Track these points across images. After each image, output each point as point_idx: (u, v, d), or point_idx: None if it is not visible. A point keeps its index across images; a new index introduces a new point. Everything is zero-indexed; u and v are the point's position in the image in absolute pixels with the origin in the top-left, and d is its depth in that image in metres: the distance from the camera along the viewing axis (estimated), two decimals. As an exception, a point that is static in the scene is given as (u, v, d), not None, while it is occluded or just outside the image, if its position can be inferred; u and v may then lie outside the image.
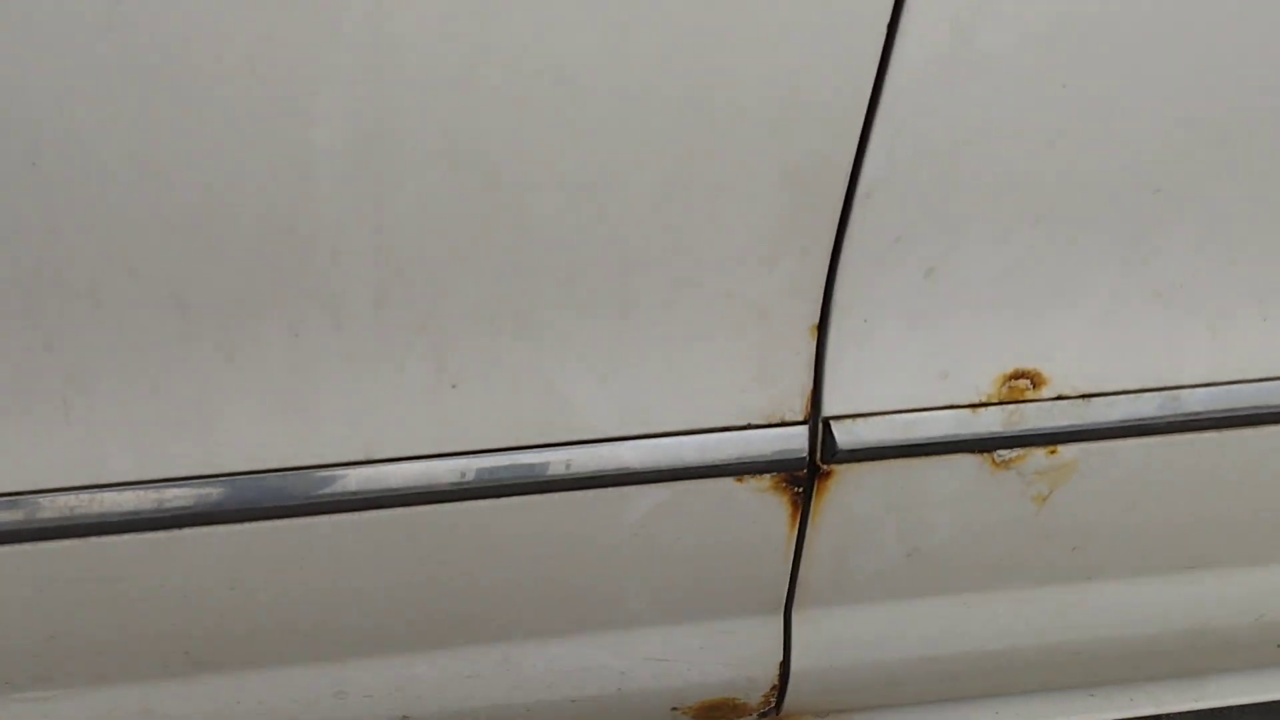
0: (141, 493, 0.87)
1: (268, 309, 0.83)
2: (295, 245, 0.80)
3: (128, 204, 0.77)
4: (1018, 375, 0.97)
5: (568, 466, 0.92)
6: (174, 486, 0.87)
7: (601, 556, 1.00)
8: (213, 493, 0.88)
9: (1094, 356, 0.97)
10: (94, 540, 0.88)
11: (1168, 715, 1.51)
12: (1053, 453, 1.00)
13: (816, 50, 0.78)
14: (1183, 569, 1.14)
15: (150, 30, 0.71)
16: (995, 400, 0.97)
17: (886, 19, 0.78)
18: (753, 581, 1.06)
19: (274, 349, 0.85)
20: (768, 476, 0.97)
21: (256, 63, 0.73)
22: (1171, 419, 0.99)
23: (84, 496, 0.86)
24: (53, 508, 0.86)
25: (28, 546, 0.88)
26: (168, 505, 0.87)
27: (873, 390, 0.96)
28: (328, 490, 0.90)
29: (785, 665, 1.14)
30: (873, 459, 0.98)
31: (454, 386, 0.89)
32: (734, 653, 1.12)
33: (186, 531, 0.89)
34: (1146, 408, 0.99)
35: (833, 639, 1.13)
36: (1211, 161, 0.89)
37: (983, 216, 0.88)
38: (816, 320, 0.92)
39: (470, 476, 0.91)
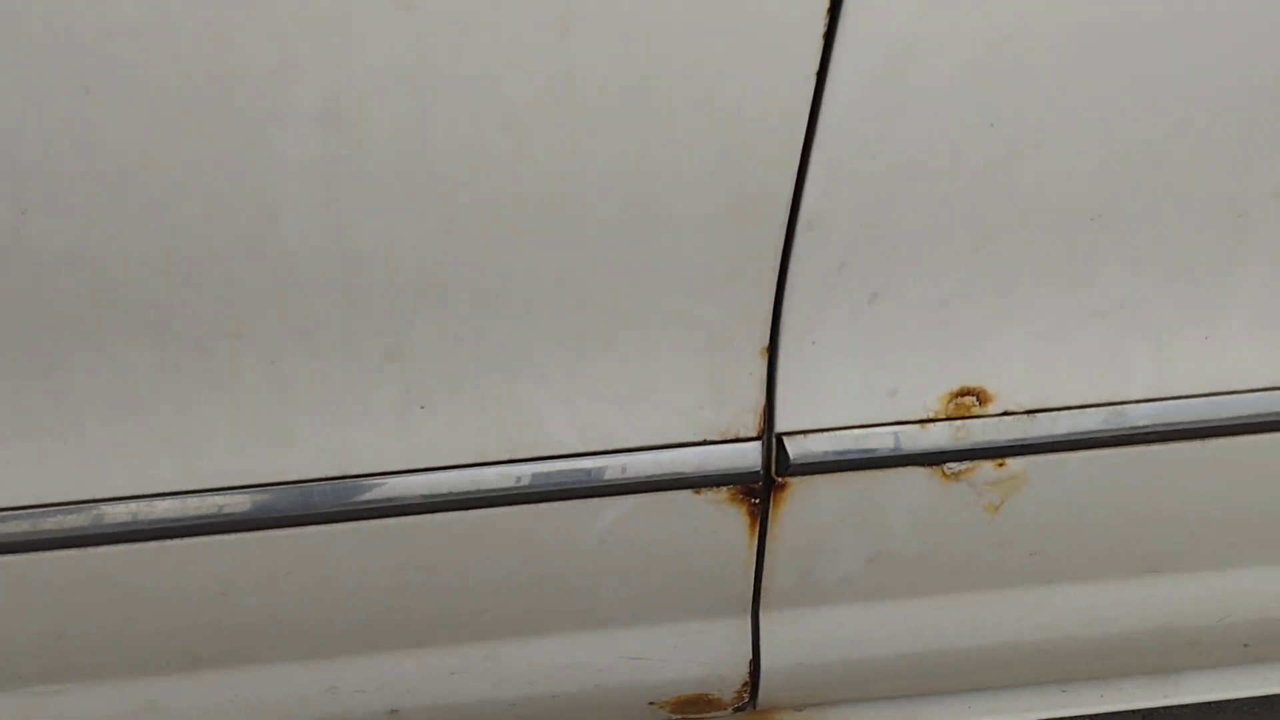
0: (133, 506, 0.94)
1: (244, 339, 0.89)
2: (267, 280, 0.86)
3: (112, 246, 0.84)
4: (964, 392, 1.01)
5: (533, 481, 0.98)
6: (162, 500, 0.94)
7: (573, 563, 1.06)
8: (198, 506, 0.94)
9: (1039, 374, 1.01)
10: (91, 550, 0.95)
11: (1138, 711, 1.54)
12: (1001, 465, 1.04)
13: (751, 89, 0.83)
14: (1142, 573, 1.18)
15: (124, 81, 0.77)
16: (943, 416, 1.01)
17: (817, 63, 0.82)
18: (719, 585, 1.11)
19: (252, 375, 0.91)
20: (725, 489, 1.02)
21: (223, 112, 0.79)
22: (1117, 433, 1.03)
23: (80, 510, 0.93)
24: (52, 520, 0.93)
25: (32, 555, 0.95)
26: (157, 518, 0.94)
27: (823, 407, 1.00)
28: (306, 504, 0.96)
29: (756, 663, 1.20)
30: (825, 472, 1.02)
31: (422, 407, 0.95)
32: (706, 651, 1.18)
33: (176, 542, 0.96)
34: (1091, 422, 1.02)
35: (801, 639, 1.19)
36: (1147, 189, 0.92)
37: (922, 245, 0.93)
38: (767, 343, 0.97)
39: (440, 490, 0.97)
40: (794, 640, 1.19)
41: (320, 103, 0.79)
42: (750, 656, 1.19)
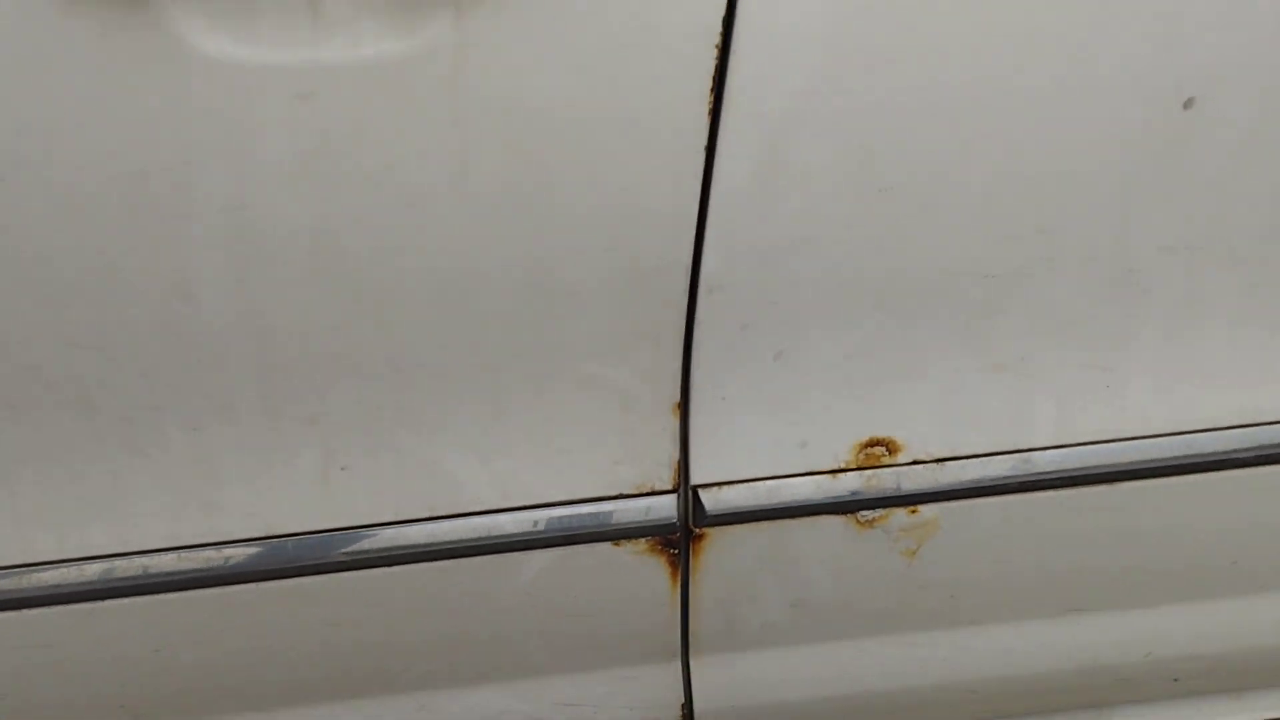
0: (64, 570, 0.97)
1: (167, 410, 0.93)
2: (186, 356, 0.90)
3: (35, 325, 0.87)
4: (873, 443, 1.04)
5: (454, 537, 1.01)
6: (93, 563, 0.97)
7: (500, 614, 1.09)
8: (128, 568, 0.98)
9: (945, 424, 1.04)
10: (24, 612, 0.98)
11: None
12: (913, 512, 1.07)
13: (642, 166, 0.87)
14: (1065, 613, 1.21)
15: (38, 172, 0.81)
16: (853, 466, 1.05)
17: (705, 139, 0.86)
18: (646, 633, 1.14)
19: (176, 443, 0.94)
20: (643, 540, 1.05)
21: (136, 197, 0.83)
22: (1024, 479, 1.06)
23: (12, 574, 0.97)
24: (-13, 585, 0.97)
25: (-33, 619, 0.99)
26: (88, 580, 0.97)
27: (737, 460, 1.04)
28: (233, 564, 0.99)
29: (688, 707, 1.22)
30: (742, 522, 1.06)
31: (343, 469, 0.98)
32: (638, 697, 1.21)
33: (108, 603, 0.99)
34: (999, 470, 1.06)
35: (732, 683, 1.21)
36: (1036, 249, 0.96)
37: (822, 305, 0.96)
38: (678, 400, 1.00)
39: (364, 548, 1.00)
40: (725, 684, 1.21)
41: (227, 188, 0.83)
42: (683, 700, 1.22)
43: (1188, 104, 0.89)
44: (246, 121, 0.80)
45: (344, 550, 1.01)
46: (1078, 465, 1.06)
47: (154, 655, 1.05)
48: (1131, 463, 1.07)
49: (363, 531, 1.01)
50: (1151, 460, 1.07)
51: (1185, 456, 1.07)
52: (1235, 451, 1.07)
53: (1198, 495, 1.10)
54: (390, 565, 1.02)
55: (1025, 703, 1.32)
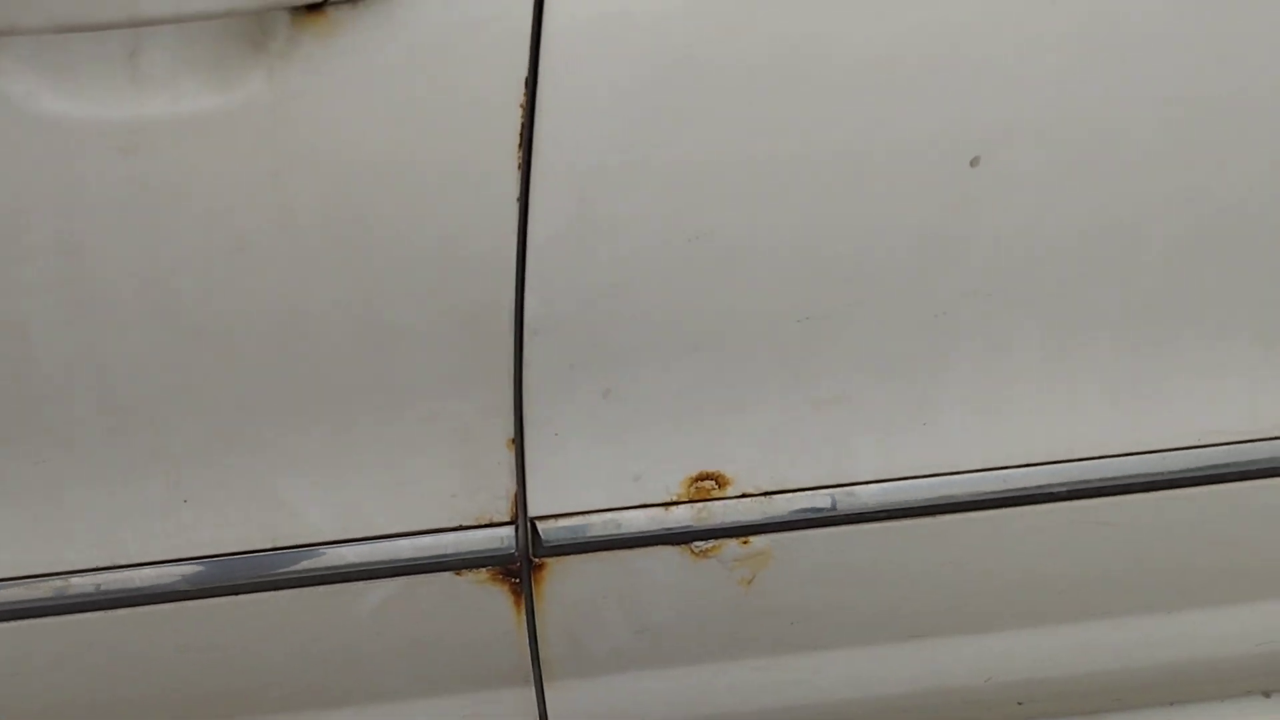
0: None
1: (11, 443, 0.97)
2: (25, 391, 0.94)
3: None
4: (703, 477, 1.09)
5: (297, 567, 1.06)
6: (-58, 593, 1.01)
7: (350, 642, 1.13)
8: (-23, 597, 1.02)
9: (772, 459, 1.09)
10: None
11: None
12: (745, 543, 1.12)
13: (462, 219, 0.92)
14: (904, 638, 1.26)
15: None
16: (685, 499, 1.10)
17: (518, 190, 0.91)
18: (497, 659, 1.18)
19: (20, 474, 0.99)
20: (484, 570, 1.10)
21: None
22: (849, 513, 1.11)
23: None
24: None
25: None
26: (-64, 609, 1.01)
27: (572, 493, 1.09)
28: (83, 593, 1.03)
29: (545, 731, 1.27)
30: (580, 552, 1.10)
31: (185, 501, 1.02)
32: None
33: (-44, 631, 1.03)
34: (824, 503, 1.11)
35: (587, 707, 1.26)
36: (847, 295, 1.01)
37: (644, 347, 1.01)
38: (513, 435, 1.05)
39: (209, 579, 1.05)
40: (579, 710, 1.26)
41: (57, 234, 0.87)
42: (539, 724, 1.27)
43: (974, 162, 0.95)
44: (71, 173, 0.85)
45: (190, 579, 1.04)
46: (900, 499, 1.12)
47: (13, 679, 1.08)
48: (951, 497, 1.12)
49: (208, 561, 1.05)
50: (970, 495, 1.12)
51: (1002, 492, 1.12)
52: (1048, 486, 1.13)
53: (1019, 527, 1.16)
54: (236, 594, 1.06)
55: (876, 726, 1.37)
